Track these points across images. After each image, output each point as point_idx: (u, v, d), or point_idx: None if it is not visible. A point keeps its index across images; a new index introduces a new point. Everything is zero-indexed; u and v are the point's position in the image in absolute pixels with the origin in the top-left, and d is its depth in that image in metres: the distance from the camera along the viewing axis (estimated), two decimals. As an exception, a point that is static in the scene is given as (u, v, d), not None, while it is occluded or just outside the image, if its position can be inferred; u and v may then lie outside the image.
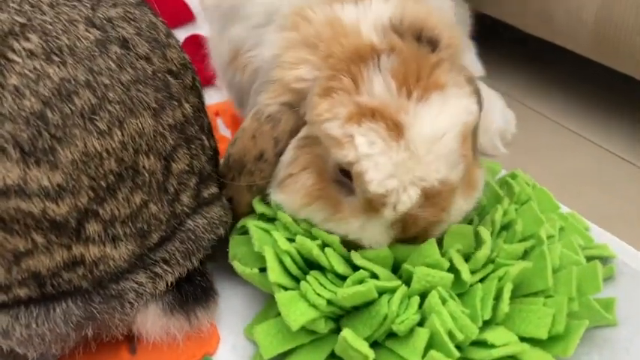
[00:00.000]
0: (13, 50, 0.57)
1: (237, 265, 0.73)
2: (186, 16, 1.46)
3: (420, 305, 0.68)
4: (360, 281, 0.67)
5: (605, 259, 0.82)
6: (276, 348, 0.69)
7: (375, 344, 0.68)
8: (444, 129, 0.64)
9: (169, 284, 0.69)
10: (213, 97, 1.16)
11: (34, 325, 0.63)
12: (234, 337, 0.74)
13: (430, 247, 0.69)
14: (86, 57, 0.60)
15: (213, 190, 0.74)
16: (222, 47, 0.83)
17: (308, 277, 0.69)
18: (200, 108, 0.73)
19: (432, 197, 0.65)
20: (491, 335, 0.66)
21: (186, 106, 0.69)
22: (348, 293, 0.65)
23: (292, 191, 0.70)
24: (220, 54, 0.84)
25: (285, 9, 0.72)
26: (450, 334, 0.64)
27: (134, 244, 0.65)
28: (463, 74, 0.71)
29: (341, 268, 0.69)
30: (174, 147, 0.67)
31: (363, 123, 0.63)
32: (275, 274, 0.68)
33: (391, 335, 0.68)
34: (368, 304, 0.68)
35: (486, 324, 0.68)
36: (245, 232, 0.76)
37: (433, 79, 0.65)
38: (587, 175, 1.07)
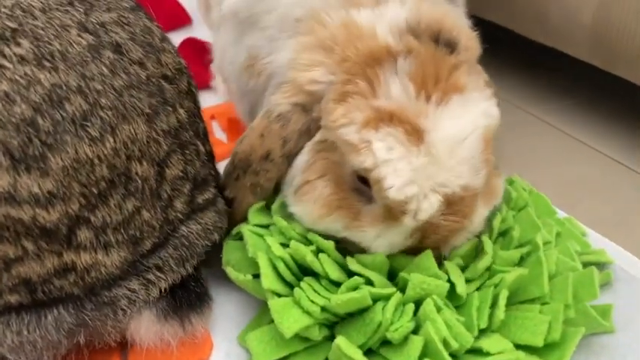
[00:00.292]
0: (4, 55, 0.57)
1: (230, 272, 0.73)
2: (183, 20, 1.46)
3: (415, 313, 0.67)
4: (355, 288, 0.67)
5: (602, 265, 0.82)
6: (270, 355, 0.68)
7: (369, 352, 0.67)
8: (466, 133, 0.62)
9: (163, 290, 0.68)
10: (209, 101, 1.17)
11: (25, 332, 0.62)
12: (228, 344, 0.73)
13: (427, 260, 0.68)
14: (78, 62, 0.59)
15: (208, 195, 0.73)
16: (237, 54, 0.82)
17: (302, 284, 0.68)
18: (195, 113, 0.72)
19: (454, 204, 0.63)
20: (487, 343, 0.65)
21: (181, 111, 0.68)
22: (342, 300, 0.65)
23: (310, 201, 0.69)
24: (234, 61, 0.83)
25: (301, 15, 0.72)
26: (445, 343, 0.64)
27: (126, 250, 0.64)
28: (482, 78, 0.69)
29: (335, 274, 0.68)
30: (168, 153, 0.66)
31: (380, 128, 0.61)
32: (268, 280, 0.67)
33: (385, 343, 0.67)
34: (362, 311, 0.67)
35: (482, 331, 0.68)
36: (240, 237, 0.76)
37: (452, 82, 0.63)
38: (584, 180, 1.07)
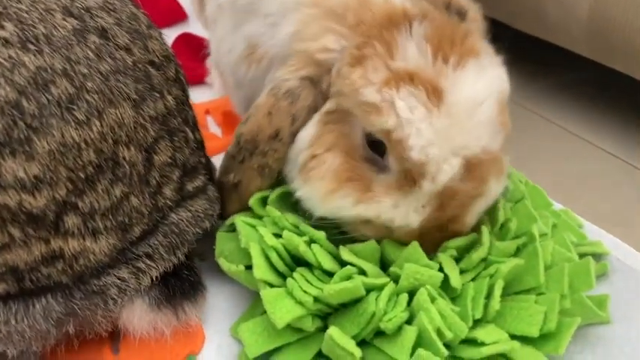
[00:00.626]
0: (-12, 38, 0.56)
1: (223, 263, 0.72)
2: (178, 15, 1.46)
3: (409, 303, 0.66)
4: (348, 277, 0.66)
5: (598, 256, 0.81)
6: (262, 347, 0.67)
7: (363, 343, 0.66)
8: (484, 95, 0.62)
9: (154, 279, 0.67)
10: (204, 95, 1.17)
11: (13, 322, 0.61)
12: (220, 336, 0.73)
13: (415, 252, 0.67)
14: (63, 46, 0.59)
15: (198, 183, 0.73)
16: (235, 44, 0.80)
17: (294, 274, 0.67)
18: (184, 101, 0.72)
19: (473, 169, 0.62)
20: (481, 333, 0.65)
21: (169, 98, 0.68)
22: (335, 290, 0.64)
23: (317, 177, 0.66)
24: (232, 50, 0.81)
25: None
26: (439, 333, 0.63)
27: (115, 237, 0.64)
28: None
29: (328, 264, 0.67)
30: (156, 139, 0.66)
31: (401, 87, 0.60)
32: (260, 270, 0.67)
33: (379, 334, 0.66)
34: (355, 302, 0.67)
35: (477, 322, 0.67)
36: (234, 229, 0.75)
37: (468, 46, 0.63)
38: (583, 176, 1.07)
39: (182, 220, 0.70)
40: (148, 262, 0.67)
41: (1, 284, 0.60)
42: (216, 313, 0.75)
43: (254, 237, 0.70)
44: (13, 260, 0.60)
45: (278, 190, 0.73)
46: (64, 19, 0.60)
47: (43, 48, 0.57)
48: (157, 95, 0.66)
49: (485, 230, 0.71)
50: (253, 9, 0.76)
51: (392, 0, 0.66)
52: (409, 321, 0.66)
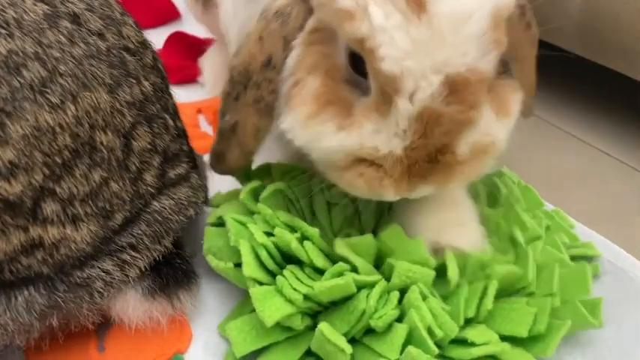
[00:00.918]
0: (-43, 24, 0.56)
1: (211, 260, 0.71)
2: (171, 14, 1.47)
3: (401, 301, 0.66)
4: (339, 274, 0.65)
5: (590, 258, 0.81)
6: (250, 345, 0.66)
7: (353, 341, 0.65)
8: (474, 6, 0.54)
9: (143, 269, 0.67)
10: (195, 94, 1.17)
11: (-5, 315, 0.60)
12: (207, 335, 0.72)
13: (416, 245, 0.67)
14: (34, 30, 0.58)
15: (180, 171, 0.72)
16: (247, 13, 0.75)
17: (284, 272, 0.66)
18: (162, 89, 0.72)
19: (459, 90, 0.55)
20: (472, 334, 0.64)
21: (146, 84, 0.67)
22: (325, 286, 0.63)
23: (297, 102, 0.61)
24: (244, 21, 0.76)
25: None
26: (429, 331, 0.62)
27: (96, 224, 0.63)
28: None
29: (320, 261, 0.66)
30: (134, 124, 0.65)
31: None
32: (250, 268, 0.66)
33: (369, 332, 0.65)
34: (346, 300, 0.66)
35: (468, 322, 0.66)
36: (221, 223, 0.74)
37: None
38: (573, 173, 1.06)
39: (165, 208, 0.69)
40: (133, 253, 0.66)
41: (-19, 276, 0.59)
42: (204, 311, 0.74)
43: (244, 234, 0.69)
44: (-8, 250, 0.59)
45: (271, 187, 0.73)
46: (34, 4, 0.59)
47: (14, 32, 0.57)
48: (133, 81, 0.66)
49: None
50: None
51: None
52: (400, 319, 0.65)
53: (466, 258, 0.68)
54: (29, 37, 0.58)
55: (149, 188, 0.67)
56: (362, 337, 0.66)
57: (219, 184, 0.83)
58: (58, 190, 0.59)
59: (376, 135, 0.58)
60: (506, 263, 0.70)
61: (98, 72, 0.62)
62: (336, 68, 0.60)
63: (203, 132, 1.08)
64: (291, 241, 0.66)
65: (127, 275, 0.66)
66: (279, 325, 0.65)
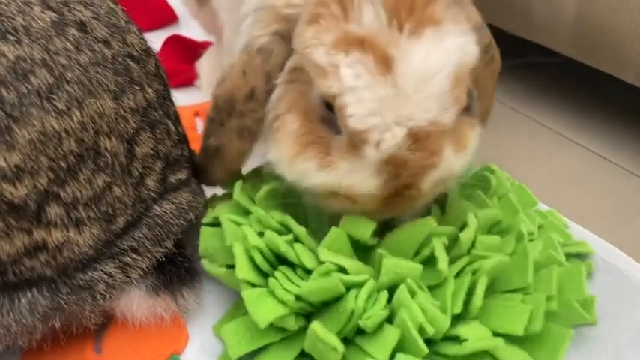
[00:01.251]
0: (-33, 30, 0.57)
1: (205, 263, 0.72)
2: (169, 17, 1.48)
3: (390, 300, 0.66)
4: (327, 274, 0.65)
5: (584, 256, 0.82)
6: (245, 347, 0.67)
7: (345, 341, 0.66)
8: (436, 67, 0.60)
9: (144, 270, 0.68)
10: (193, 97, 1.18)
11: (-2, 316, 0.61)
12: (203, 336, 0.73)
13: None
14: (42, 37, 0.59)
15: (181, 176, 0.73)
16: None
17: (276, 273, 0.67)
18: (165, 95, 0.73)
19: (422, 140, 0.61)
20: (464, 330, 0.64)
21: (149, 90, 0.69)
22: (312, 287, 0.64)
23: (281, 140, 0.66)
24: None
25: None
26: (421, 329, 0.63)
27: (99, 228, 0.64)
28: (468, 15, 0.67)
29: (310, 262, 0.67)
30: (137, 130, 0.66)
31: (350, 52, 0.60)
32: (243, 271, 0.66)
33: (361, 331, 0.66)
34: (337, 300, 0.66)
35: (460, 319, 0.67)
36: (217, 223, 0.75)
37: (428, 13, 0.61)
38: (567, 174, 1.07)
39: (166, 213, 0.70)
40: (135, 255, 0.67)
41: (-16, 277, 0.60)
42: (200, 312, 0.75)
43: (238, 236, 0.69)
44: (-4, 252, 0.60)
45: (266, 188, 0.73)
46: (43, 12, 0.61)
47: (22, 39, 0.58)
48: (137, 88, 0.67)
49: (470, 214, 0.71)
50: None
51: None
52: (390, 318, 0.65)
53: (452, 243, 0.70)
54: (37, 44, 0.59)
55: (151, 193, 0.69)
56: (354, 336, 0.66)
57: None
58: (62, 194, 0.61)
59: (351, 174, 0.63)
60: (491, 251, 0.70)
61: (103, 79, 0.63)
62: (312, 107, 0.65)
63: (200, 135, 1.08)
64: (280, 243, 0.67)
65: (128, 277, 0.67)
66: (273, 327, 0.66)
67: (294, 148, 0.65)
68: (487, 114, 0.83)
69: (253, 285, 0.67)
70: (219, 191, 0.84)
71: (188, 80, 1.22)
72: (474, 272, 0.68)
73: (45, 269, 0.62)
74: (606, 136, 1.16)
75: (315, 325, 0.63)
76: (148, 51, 0.71)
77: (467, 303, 0.66)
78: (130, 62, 0.67)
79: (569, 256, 0.80)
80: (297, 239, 0.69)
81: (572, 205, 0.96)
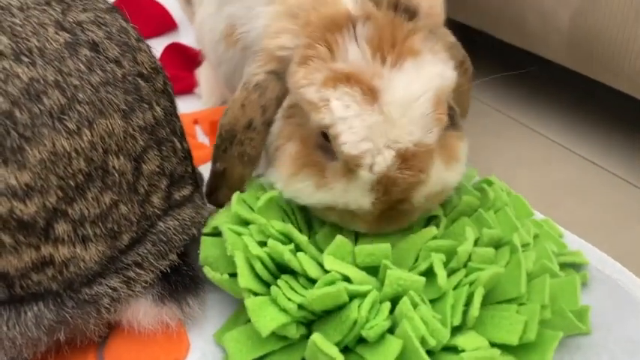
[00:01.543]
0: (-18, 51, 0.58)
1: (207, 271, 0.73)
2: (168, 25, 1.48)
3: (393, 310, 0.67)
4: (331, 283, 0.67)
5: (578, 266, 0.83)
6: (246, 356, 0.68)
7: (346, 350, 0.67)
8: (417, 93, 0.66)
9: (149, 282, 0.69)
10: (192, 105, 1.19)
11: (4, 328, 0.63)
12: (204, 344, 0.73)
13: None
14: (55, 58, 0.61)
15: (185, 192, 0.74)
16: (216, 24, 0.86)
17: (279, 282, 0.68)
18: (171, 112, 0.74)
19: (409, 159, 0.67)
20: (462, 340, 0.66)
21: (157, 108, 0.70)
22: (317, 295, 0.65)
23: (280, 164, 0.73)
24: (213, 30, 0.88)
25: None
26: (422, 340, 0.64)
27: (104, 244, 0.65)
28: (445, 42, 0.74)
29: (313, 271, 0.68)
30: (145, 148, 0.68)
31: (338, 87, 0.66)
32: (245, 279, 0.68)
33: (362, 341, 0.67)
34: (339, 309, 0.67)
35: (458, 329, 0.68)
36: (217, 232, 0.76)
37: (407, 46, 0.68)
38: (562, 182, 1.08)
39: (169, 229, 0.71)
40: (139, 270, 0.69)
41: (-8, 290, 0.62)
42: (201, 321, 0.76)
43: (239, 245, 0.71)
44: (4, 266, 0.61)
45: (266, 197, 0.74)
46: (57, 33, 0.62)
47: (36, 60, 0.59)
48: (146, 106, 0.68)
49: (468, 228, 0.74)
50: None
51: (339, 2, 0.71)
52: (392, 328, 0.67)
53: (450, 255, 0.72)
54: (50, 66, 0.60)
55: (155, 210, 0.70)
56: (355, 346, 0.68)
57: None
58: (70, 211, 0.62)
59: (346, 194, 0.69)
60: (486, 263, 0.72)
61: (114, 98, 0.64)
62: (309, 136, 0.71)
63: (200, 142, 1.10)
64: (284, 252, 0.68)
65: (133, 290, 0.68)
66: (274, 335, 0.67)
67: (291, 169, 0.72)
68: (465, 111, 0.91)
69: (255, 293, 0.68)
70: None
71: (187, 88, 1.23)
72: (471, 284, 0.69)
73: (51, 283, 0.64)
74: (601, 144, 1.17)
75: (316, 337, 0.64)
76: (157, 69, 0.72)
77: (464, 314, 0.68)
78: (140, 81, 0.68)
79: (564, 266, 0.81)
80: (299, 248, 0.70)
81: (567, 212, 0.98)
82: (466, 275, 0.71)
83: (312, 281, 0.69)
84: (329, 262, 0.69)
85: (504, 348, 0.67)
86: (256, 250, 0.69)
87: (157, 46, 1.21)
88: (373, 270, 0.72)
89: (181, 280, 0.72)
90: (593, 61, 1.06)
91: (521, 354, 0.68)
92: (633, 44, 0.96)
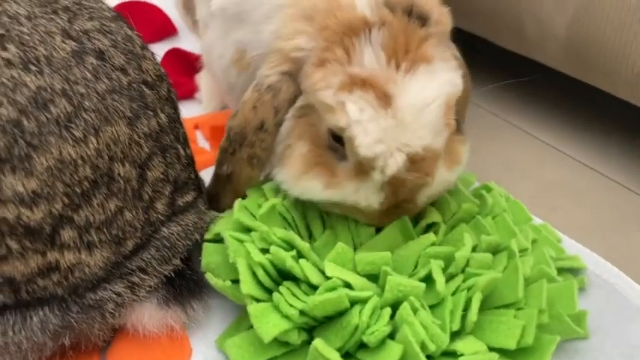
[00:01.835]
0: (-9, 59, 0.59)
1: (210, 277, 0.74)
2: (169, 30, 1.49)
3: (393, 316, 0.68)
4: (333, 289, 0.68)
5: (576, 271, 0.84)
6: None
7: (347, 355, 0.68)
8: (429, 99, 0.68)
9: (152, 287, 0.70)
10: (193, 110, 1.19)
11: (10, 333, 0.63)
12: (206, 349, 0.74)
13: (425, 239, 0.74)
14: (63, 67, 0.61)
15: (188, 198, 0.75)
16: (225, 49, 0.87)
17: (280, 288, 0.69)
18: (175, 118, 0.75)
19: (417, 162, 0.69)
20: (461, 345, 0.67)
21: (162, 115, 0.71)
22: (319, 301, 0.66)
23: (290, 162, 0.74)
24: (222, 57, 0.88)
25: (283, 1, 0.76)
26: (422, 346, 0.65)
27: (109, 250, 0.66)
28: (450, 51, 0.75)
29: (315, 278, 0.69)
30: (150, 155, 0.68)
31: (354, 91, 0.67)
32: (247, 286, 0.69)
33: (363, 346, 0.68)
34: (340, 315, 0.68)
35: (456, 334, 0.69)
36: (219, 239, 0.76)
37: (421, 52, 0.69)
38: (559, 186, 1.09)
39: (173, 234, 0.72)
40: (143, 275, 0.70)
41: (-2, 296, 0.63)
42: (203, 326, 0.76)
43: (242, 252, 0.72)
44: (10, 272, 0.62)
45: (267, 204, 0.75)
46: (64, 42, 0.63)
47: (44, 69, 0.60)
48: (151, 113, 0.69)
49: (466, 234, 0.75)
50: (242, 18, 0.82)
51: (355, 7, 0.71)
52: (392, 334, 0.67)
53: (448, 261, 0.73)
54: (58, 74, 0.61)
55: (159, 216, 0.71)
56: (356, 351, 0.68)
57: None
58: (76, 218, 0.63)
59: (356, 193, 0.72)
60: (484, 268, 0.73)
61: (119, 106, 0.65)
62: (319, 136, 0.73)
63: (200, 147, 1.10)
64: (286, 258, 0.69)
65: (137, 295, 0.69)
66: (276, 341, 0.68)
67: (301, 167, 0.73)
68: (463, 116, 0.93)
69: (257, 300, 0.69)
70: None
71: (188, 93, 1.23)
72: (469, 289, 0.70)
73: (57, 289, 0.64)
74: (599, 149, 1.18)
75: (317, 343, 0.65)
76: (161, 76, 0.73)
77: (463, 319, 0.69)
78: (145, 88, 0.69)
79: (562, 270, 0.81)
80: (300, 255, 0.71)
81: (564, 217, 0.99)
82: (464, 281, 0.72)
83: (314, 287, 0.70)
84: (330, 268, 0.70)
85: (502, 352, 0.68)
86: (258, 257, 0.70)
87: (158, 51, 1.20)
88: (373, 277, 0.72)
89: (186, 284, 0.73)
90: (590, 68, 1.07)
91: (519, 358, 0.69)
92: (629, 50, 0.97)
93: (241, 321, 0.75)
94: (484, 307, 0.71)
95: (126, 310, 0.69)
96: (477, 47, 1.34)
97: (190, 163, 0.77)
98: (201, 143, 1.12)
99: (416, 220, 0.80)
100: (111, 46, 0.66)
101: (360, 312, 0.67)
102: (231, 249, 0.72)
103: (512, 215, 0.85)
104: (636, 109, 1.06)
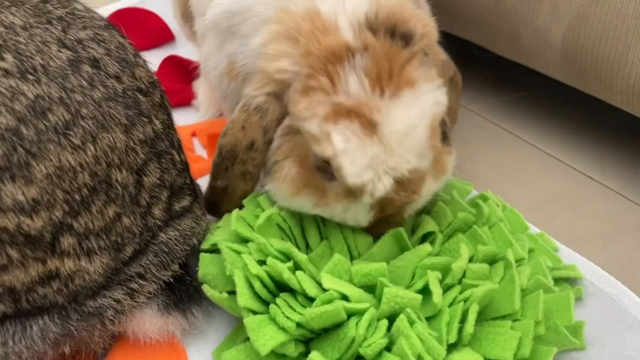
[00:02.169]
0: (-11, 70, 0.59)
1: (206, 289, 0.74)
2: (166, 37, 1.49)
3: (390, 328, 0.68)
4: (330, 301, 0.68)
5: (573, 280, 0.84)
6: None
7: None
8: (414, 123, 0.69)
9: (151, 293, 0.71)
10: (190, 118, 1.19)
11: (10, 343, 0.63)
12: (202, 360, 0.74)
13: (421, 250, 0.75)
14: (59, 75, 0.62)
15: (184, 203, 0.76)
16: (219, 62, 0.88)
17: (277, 300, 0.69)
18: (169, 125, 0.76)
19: (404, 183, 0.71)
20: (458, 357, 0.67)
21: (156, 122, 0.72)
22: (315, 313, 0.65)
23: (279, 180, 0.76)
24: (217, 67, 0.89)
25: (269, 15, 0.77)
26: (419, 358, 0.65)
27: (108, 257, 0.66)
28: (437, 61, 0.77)
29: (312, 290, 0.69)
30: (146, 161, 0.69)
31: (339, 121, 0.68)
32: (244, 298, 0.69)
33: (360, 358, 0.68)
34: (337, 327, 0.68)
35: (453, 346, 0.69)
36: (215, 249, 0.77)
37: (404, 76, 0.70)
38: (556, 195, 1.09)
39: (171, 239, 0.73)
40: (141, 281, 0.70)
41: (-1, 305, 0.62)
42: (199, 338, 0.76)
43: (239, 264, 0.72)
44: (10, 281, 0.62)
45: (264, 215, 0.75)
46: (59, 51, 0.63)
47: (41, 78, 0.61)
48: (146, 120, 0.70)
49: (463, 245, 0.76)
50: (232, 31, 0.83)
51: (338, 29, 0.72)
52: (389, 346, 0.68)
53: (445, 272, 0.74)
54: (55, 83, 0.61)
55: (157, 221, 0.71)
56: None
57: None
58: (75, 225, 0.63)
59: (346, 213, 0.74)
60: (480, 279, 0.73)
61: (115, 113, 0.66)
62: (307, 156, 0.74)
63: (197, 155, 1.11)
64: (282, 270, 0.69)
65: (136, 301, 0.70)
66: (273, 353, 0.67)
67: (291, 189, 0.75)
68: (453, 122, 0.96)
69: (254, 312, 0.69)
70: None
71: (185, 100, 1.23)
72: (465, 301, 0.71)
73: (57, 297, 0.64)
74: (597, 157, 1.18)
75: (314, 355, 0.65)
76: (154, 83, 0.74)
77: (459, 331, 0.69)
78: (139, 95, 0.70)
79: (559, 280, 0.81)
80: (297, 266, 0.72)
81: (562, 226, 0.99)
82: (461, 292, 0.72)
83: (311, 299, 0.69)
84: (327, 280, 0.70)
85: None
86: (256, 269, 0.70)
87: (155, 58, 1.21)
88: (370, 288, 0.73)
89: (185, 290, 0.74)
90: (587, 77, 1.07)
91: None
92: (626, 60, 0.98)
93: (238, 332, 0.75)
94: (481, 318, 0.72)
95: (126, 317, 0.69)
96: (473, 55, 1.36)
97: (185, 169, 0.78)
98: (199, 151, 1.13)
99: (412, 229, 0.81)
100: (105, 54, 0.67)
101: (356, 324, 0.67)
102: (228, 261, 0.72)
103: (508, 224, 0.86)
104: (636, 118, 1.07)
